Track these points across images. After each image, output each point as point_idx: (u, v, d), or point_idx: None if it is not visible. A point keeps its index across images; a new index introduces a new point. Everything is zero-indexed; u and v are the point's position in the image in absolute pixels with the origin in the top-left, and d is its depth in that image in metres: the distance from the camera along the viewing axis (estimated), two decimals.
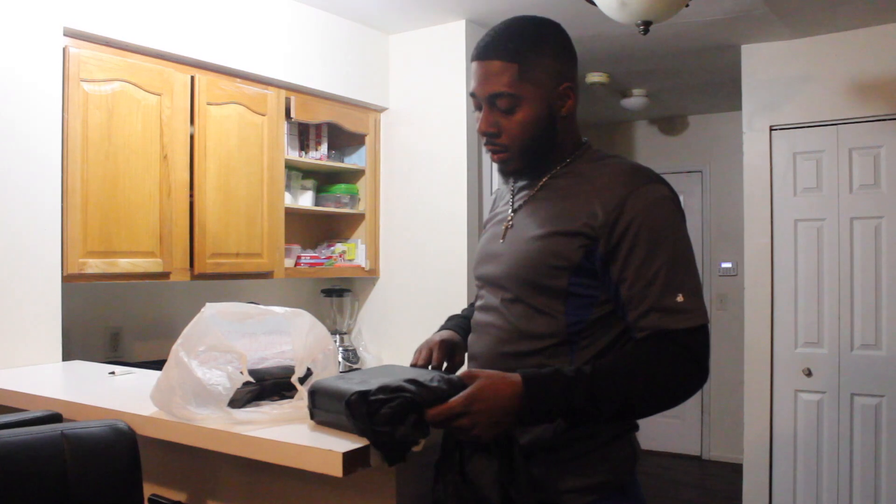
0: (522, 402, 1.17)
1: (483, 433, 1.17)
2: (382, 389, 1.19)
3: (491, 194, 3.73)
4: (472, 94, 1.37)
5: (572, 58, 1.38)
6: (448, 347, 1.55)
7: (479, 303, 1.46)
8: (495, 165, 1.43)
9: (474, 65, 1.36)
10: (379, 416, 1.17)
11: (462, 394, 1.17)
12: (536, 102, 1.33)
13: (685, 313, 1.23)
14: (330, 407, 1.33)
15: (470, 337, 1.48)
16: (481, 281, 1.46)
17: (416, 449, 1.25)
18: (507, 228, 1.42)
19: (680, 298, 1.23)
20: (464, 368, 1.37)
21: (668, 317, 1.23)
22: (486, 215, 1.60)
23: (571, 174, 1.36)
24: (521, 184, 1.44)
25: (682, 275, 1.25)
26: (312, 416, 1.41)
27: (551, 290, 1.30)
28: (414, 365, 1.51)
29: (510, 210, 1.44)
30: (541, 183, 1.39)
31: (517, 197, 1.44)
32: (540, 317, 1.31)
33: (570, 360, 1.30)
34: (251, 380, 1.50)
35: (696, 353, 1.24)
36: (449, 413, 1.17)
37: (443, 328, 1.63)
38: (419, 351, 1.54)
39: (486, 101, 1.34)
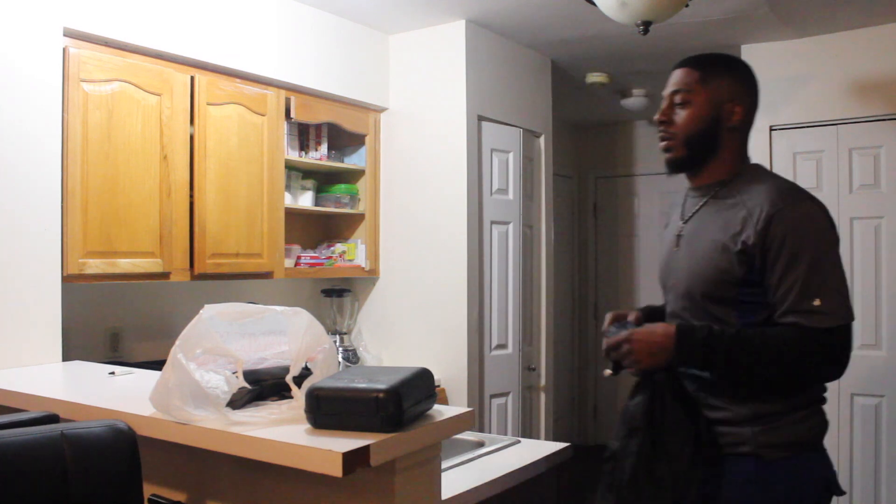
0: (672, 340, 1.51)
1: (640, 359, 1.53)
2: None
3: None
4: (662, 97, 1.69)
5: (750, 91, 1.66)
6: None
7: (668, 308, 1.74)
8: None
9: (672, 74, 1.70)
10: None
11: (626, 330, 1.57)
12: (705, 105, 1.62)
13: (822, 315, 1.45)
14: (338, 409, 1.34)
15: None
16: (665, 288, 1.76)
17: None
18: (679, 237, 1.70)
19: (817, 302, 1.45)
20: None
21: (805, 318, 1.46)
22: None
23: (732, 194, 1.60)
24: (691, 198, 1.72)
25: (821, 280, 1.47)
26: (316, 423, 1.37)
27: (724, 300, 1.56)
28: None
29: (681, 221, 1.72)
30: (706, 199, 1.66)
31: (687, 209, 1.73)
32: (717, 323, 1.56)
33: None
34: (246, 385, 1.50)
35: (831, 350, 1.47)
36: (615, 342, 1.57)
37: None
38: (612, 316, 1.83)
39: (668, 97, 1.67)
